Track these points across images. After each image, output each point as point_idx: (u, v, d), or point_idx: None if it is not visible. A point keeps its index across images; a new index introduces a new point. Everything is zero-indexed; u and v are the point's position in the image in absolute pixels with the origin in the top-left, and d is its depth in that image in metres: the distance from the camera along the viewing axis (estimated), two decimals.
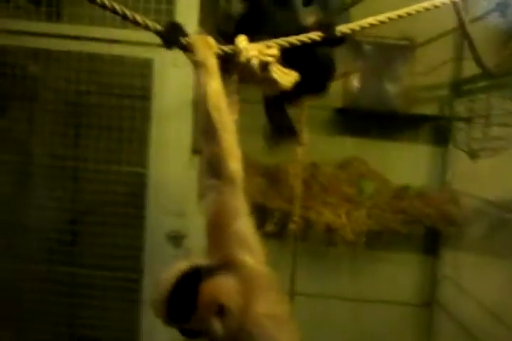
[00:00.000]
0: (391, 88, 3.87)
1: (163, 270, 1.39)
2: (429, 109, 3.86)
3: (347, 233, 3.54)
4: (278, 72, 1.47)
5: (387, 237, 3.67)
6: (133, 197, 2.51)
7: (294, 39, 1.46)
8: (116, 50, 2.39)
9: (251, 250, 1.49)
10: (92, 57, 2.47)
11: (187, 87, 2.39)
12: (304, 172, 3.40)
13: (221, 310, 1.31)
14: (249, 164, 3.70)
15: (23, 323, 2.57)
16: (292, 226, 2.85)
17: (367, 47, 3.86)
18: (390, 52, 3.85)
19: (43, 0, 2.38)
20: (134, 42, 2.32)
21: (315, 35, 1.49)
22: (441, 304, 3.86)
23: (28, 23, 2.37)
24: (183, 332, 1.39)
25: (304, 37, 1.47)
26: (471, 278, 3.59)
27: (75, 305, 2.51)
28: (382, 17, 1.61)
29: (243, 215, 1.57)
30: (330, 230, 3.55)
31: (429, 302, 3.95)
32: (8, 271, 2.53)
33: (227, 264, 1.41)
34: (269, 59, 1.45)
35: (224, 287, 1.33)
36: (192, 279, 1.34)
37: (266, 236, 3.42)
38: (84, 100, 2.59)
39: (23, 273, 2.52)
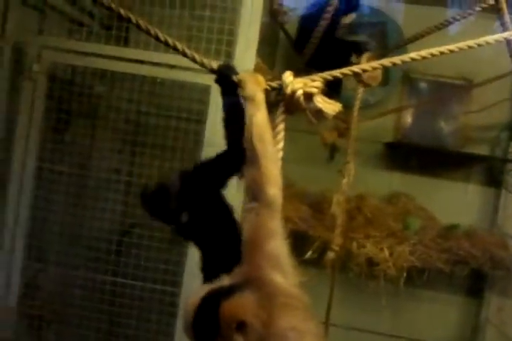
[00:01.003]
0: (444, 126, 3.88)
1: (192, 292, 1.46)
2: (483, 150, 3.84)
3: (388, 268, 3.52)
4: (322, 102, 1.56)
5: (430, 275, 3.61)
6: None
7: (337, 72, 1.55)
8: (177, 75, 2.53)
9: (283, 271, 1.53)
10: (154, 80, 2.63)
11: None
12: (350, 204, 3.44)
13: (242, 326, 1.34)
14: (294, 192, 3.80)
15: (65, 327, 2.69)
16: (331, 255, 2.86)
17: (423, 85, 3.90)
18: (446, 90, 3.88)
19: (114, 26, 2.57)
20: (194, 69, 2.45)
21: (357, 69, 1.57)
22: None
23: (98, 46, 2.54)
24: None
25: (347, 70, 1.56)
26: None
27: (114, 314, 2.62)
28: (433, 50, 1.65)
29: (278, 237, 1.62)
30: (371, 263, 3.54)
31: None
32: (57, 276, 2.68)
33: (251, 282, 1.45)
34: (314, 90, 1.54)
35: (243, 303, 1.37)
36: (213, 300, 1.39)
37: (305, 263, 3.48)
38: (143, 120, 2.76)
39: (71, 278, 2.66)
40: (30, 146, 2.58)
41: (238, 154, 1.68)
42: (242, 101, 1.70)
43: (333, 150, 3.54)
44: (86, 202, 2.69)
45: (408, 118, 3.87)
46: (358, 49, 3.08)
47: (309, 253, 3.47)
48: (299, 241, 3.46)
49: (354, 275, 3.55)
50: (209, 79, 2.43)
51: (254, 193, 1.63)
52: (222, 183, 1.84)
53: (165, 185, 1.79)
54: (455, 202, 3.85)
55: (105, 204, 2.65)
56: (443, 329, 3.85)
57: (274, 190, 1.63)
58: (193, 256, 2.57)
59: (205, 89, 2.48)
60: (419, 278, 3.61)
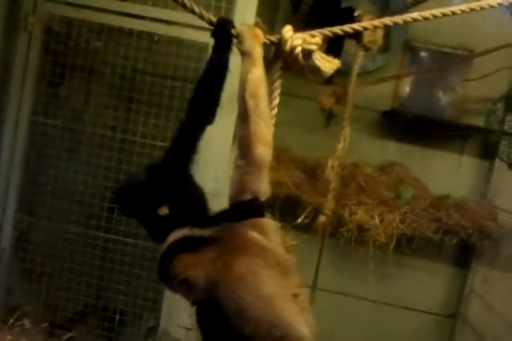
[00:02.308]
0: (443, 96, 3.86)
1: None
2: (479, 121, 3.82)
3: (378, 234, 3.55)
4: (320, 59, 1.53)
5: (418, 244, 3.65)
6: None
7: (337, 29, 1.53)
8: (175, 32, 2.49)
9: (261, 229, 1.56)
10: (151, 36, 2.59)
11: (237, 75, 2.47)
12: (344, 171, 3.44)
13: (185, 283, 1.41)
14: (288, 157, 3.79)
15: (55, 280, 2.72)
16: (322, 219, 2.88)
17: (423, 54, 3.86)
18: (447, 60, 3.83)
19: None
20: (193, 26, 2.41)
21: (358, 26, 1.55)
22: (465, 318, 3.81)
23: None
24: None
25: (347, 27, 1.53)
26: (500, 296, 3.54)
27: (105, 269, 2.65)
28: (436, 11, 1.61)
29: (263, 197, 1.65)
30: (362, 230, 3.57)
31: (453, 314, 3.91)
32: (50, 230, 2.70)
33: (225, 233, 1.50)
34: (313, 47, 1.51)
35: (191, 261, 1.41)
36: (174, 250, 1.44)
37: (296, 228, 3.50)
38: (139, 77, 2.73)
39: (63, 233, 2.68)
40: (25, 99, 2.56)
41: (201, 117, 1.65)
42: (241, 57, 1.66)
43: (329, 116, 3.51)
44: (80, 157, 2.69)
45: (406, 87, 3.84)
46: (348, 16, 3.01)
47: (301, 218, 3.49)
48: (291, 206, 3.47)
49: (344, 242, 3.59)
50: (207, 37, 2.38)
51: (243, 151, 1.63)
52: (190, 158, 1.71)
53: (132, 181, 1.72)
54: (448, 173, 3.86)
55: (99, 160, 2.65)
56: (428, 297, 3.92)
57: (263, 148, 1.62)
58: None
59: (203, 47, 2.44)
60: (408, 246, 3.65)
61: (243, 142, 1.62)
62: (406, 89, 3.84)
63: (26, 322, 1.98)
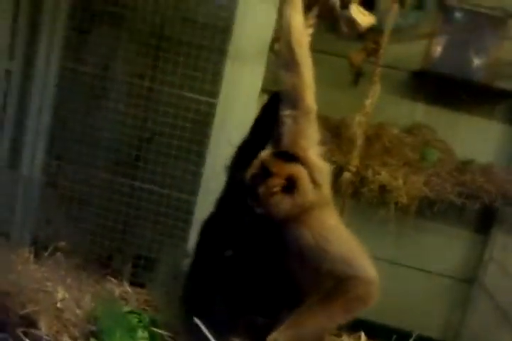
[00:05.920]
0: (475, 58, 3.75)
1: None
2: (510, 86, 3.72)
3: (401, 196, 3.53)
4: (357, 12, 1.52)
5: (440, 207, 3.63)
6: (200, 125, 2.63)
7: None
8: None
9: (317, 170, 1.67)
10: None
11: (268, 27, 2.42)
12: (369, 131, 3.40)
13: (291, 185, 1.54)
14: None
15: (83, 223, 2.77)
16: (347, 175, 2.87)
17: (458, 14, 3.74)
18: (482, 21, 3.71)
19: None
20: None
21: None
22: (482, 283, 3.81)
23: None
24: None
25: None
26: None
27: (131, 216, 2.70)
28: None
29: (315, 145, 1.71)
30: (384, 191, 3.55)
31: (470, 279, 3.91)
32: (78, 176, 2.73)
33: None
34: None
35: (299, 170, 1.56)
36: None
37: None
38: (168, 25, 2.69)
39: (90, 179, 2.72)
40: (55, 45, 2.56)
41: None
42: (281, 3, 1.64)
43: (358, 74, 3.44)
44: (108, 104, 2.70)
45: (438, 47, 3.73)
46: None
47: None
48: None
49: (365, 202, 3.57)
50: None
51: (293, 100, 1.64)
52: None
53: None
54: (475, 137, 3.79)
55: (127, 108, 2.65)
56: (446, 261, 3.90)
57: (312, 97, 1.65)
58: (211, 166, 2.61)
59: None
60: (429, 209, 3.63)
61: (293, 92, 1.64)
62: (438, 49, 3.73)
63: (60, 257, 2.07)
